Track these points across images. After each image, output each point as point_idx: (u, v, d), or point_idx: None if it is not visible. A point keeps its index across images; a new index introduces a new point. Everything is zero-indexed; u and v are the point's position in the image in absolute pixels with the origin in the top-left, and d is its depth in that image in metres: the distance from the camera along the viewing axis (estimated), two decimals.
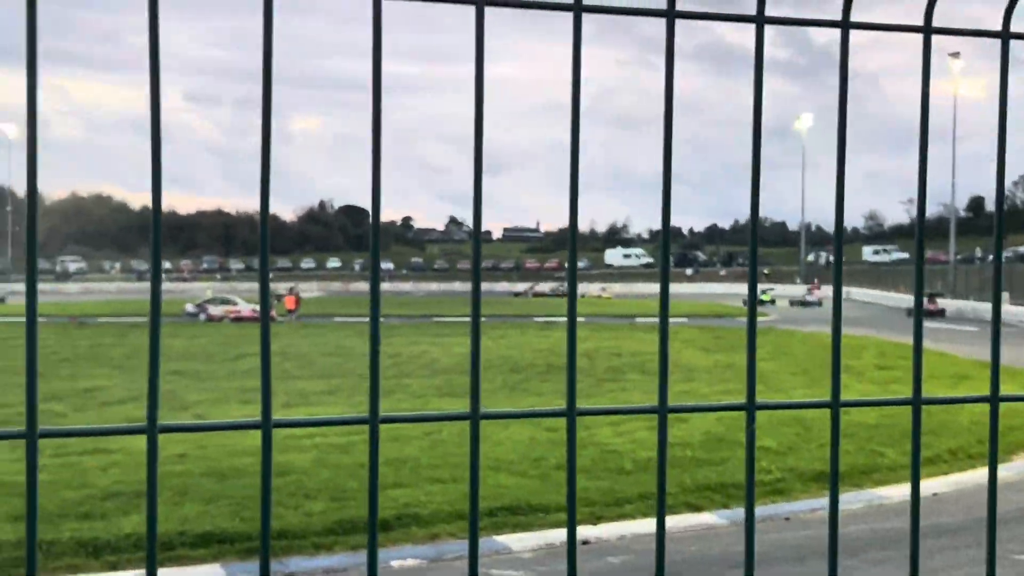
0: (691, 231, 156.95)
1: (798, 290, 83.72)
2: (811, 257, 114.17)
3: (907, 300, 66.00)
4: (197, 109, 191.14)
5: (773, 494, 15.55)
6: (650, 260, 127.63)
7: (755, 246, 1.58)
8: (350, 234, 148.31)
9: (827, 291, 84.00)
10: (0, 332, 44.33)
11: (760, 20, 1.52)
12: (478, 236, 1.41)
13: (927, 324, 54.99)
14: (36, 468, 1.20)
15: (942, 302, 62.97)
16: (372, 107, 1.33)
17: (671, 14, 1.46)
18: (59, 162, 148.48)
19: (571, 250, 1.48)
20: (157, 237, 1.28)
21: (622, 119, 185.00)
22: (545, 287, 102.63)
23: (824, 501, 15.17)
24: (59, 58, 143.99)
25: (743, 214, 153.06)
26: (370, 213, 1.35)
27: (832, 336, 1.57)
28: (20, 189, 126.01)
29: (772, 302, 77.48)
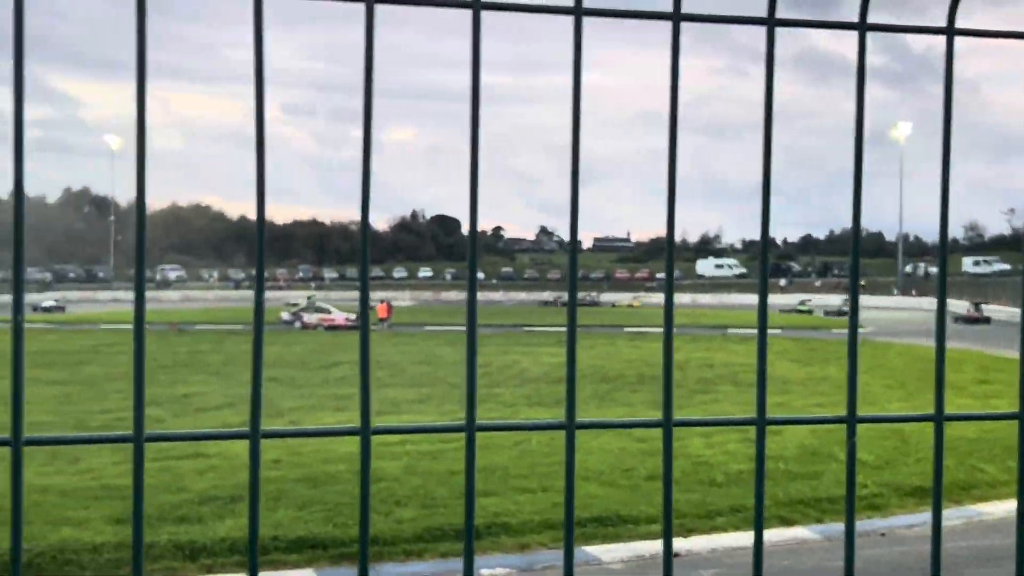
0: (785, 241, 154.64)
1: (835, 300, 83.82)
2: (908, 268, 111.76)
3: (963, 307, 65.52)
4: (293, 121, 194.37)
5: (869, 509, 15.24)
6: (743, 271, 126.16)
7: (857, 258, 1.55)
8: (441, 243, 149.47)
9: (866, 300, 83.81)
10: (103, 339, 45.63)
11: (863, 27, 1.49)
12: (575, 247, 1.41)
13: (974, 329, 53.61)
14: (143, 471, 1.23)
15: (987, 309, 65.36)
16: (471, 116, 1.34)
17: (771, 22, 1.44)
18: (160, 173, 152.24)
19: (668, 259, 1.47)
20: (261, 247, 1.30)
21: (715, 128, 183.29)
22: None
23: (922, 517, 14.83)
24: (159, 71, 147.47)
25: (838, 224, 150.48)
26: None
27: (936, 349, 1.54)
28: (123, 199, 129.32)
29: (810, 312, 78.46)
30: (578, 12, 1.36)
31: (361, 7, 1.32)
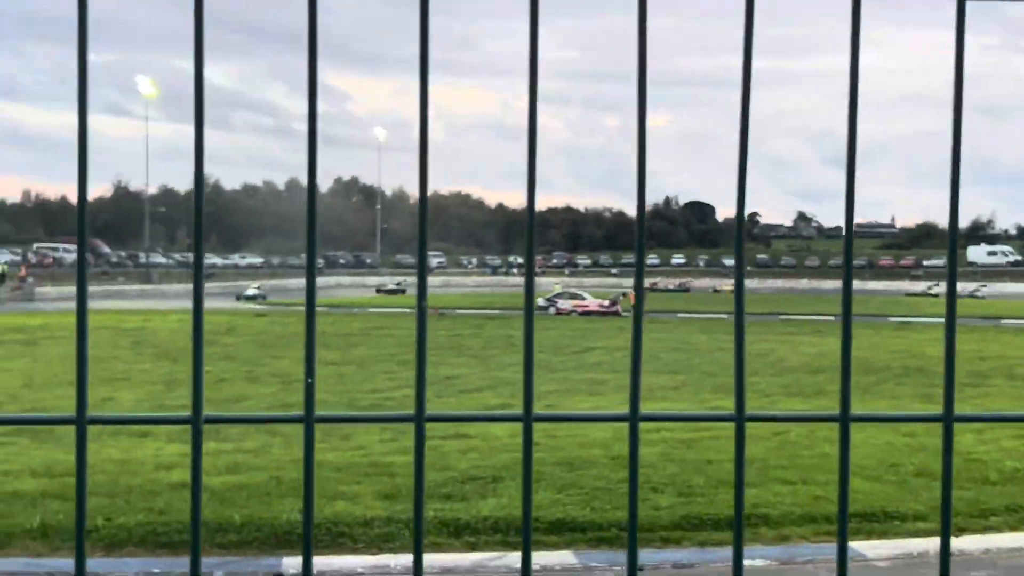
0: None
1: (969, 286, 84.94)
2: None
3: None
4: (548, 110, 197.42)
5: None
6: (1018, 257, 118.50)
7: None
8: (694, 230, 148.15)
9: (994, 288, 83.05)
10: (371, 322, 47.79)
11: None
12: (531, 242, 1.37)
13: None
14: (423, 449, 1.30)
15: None
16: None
17: None
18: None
19: (951, 245, 1.41)
20: (531, 240, 1.34)
21: (988, 107, 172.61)
22: (668, 283, 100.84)
23: None
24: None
25: None
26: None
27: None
28: (388, 189, 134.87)
29: (935, 296, 79.97)
30: None
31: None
